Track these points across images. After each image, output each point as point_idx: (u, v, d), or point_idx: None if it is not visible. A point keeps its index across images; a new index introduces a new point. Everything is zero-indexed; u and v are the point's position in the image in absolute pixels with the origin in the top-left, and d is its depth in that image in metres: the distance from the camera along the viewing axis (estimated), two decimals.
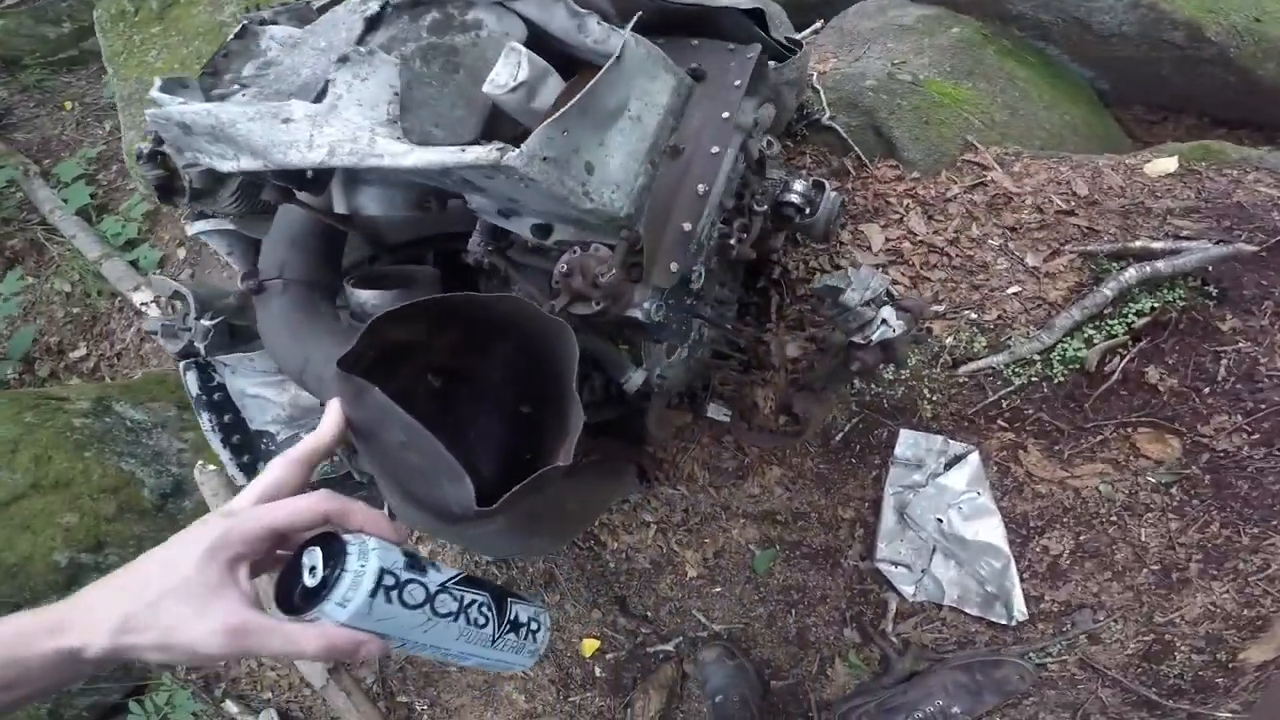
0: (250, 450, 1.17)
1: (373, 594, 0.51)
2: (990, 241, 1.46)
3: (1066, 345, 1.37)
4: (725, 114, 0.84)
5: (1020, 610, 1.37)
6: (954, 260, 1.46)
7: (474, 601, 0.58)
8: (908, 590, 1.45)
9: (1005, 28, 1.90)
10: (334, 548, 0.52)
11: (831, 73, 1.63)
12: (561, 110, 0.69)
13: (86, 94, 3.02)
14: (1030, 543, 1.42)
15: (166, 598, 0.49)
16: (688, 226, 0.82)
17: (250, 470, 1.18)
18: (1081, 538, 1.39)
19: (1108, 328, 1.36)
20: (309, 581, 0.52)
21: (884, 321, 1.02)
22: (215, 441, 1.13)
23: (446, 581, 0.57)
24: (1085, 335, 1.36)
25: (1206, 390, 1.32)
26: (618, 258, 0.82)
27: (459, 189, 0.82)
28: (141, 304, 2.36)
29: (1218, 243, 1.27)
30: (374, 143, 0.69)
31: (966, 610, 1.42)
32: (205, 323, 1.08)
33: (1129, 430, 1.38)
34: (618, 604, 1.87)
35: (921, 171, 1.52)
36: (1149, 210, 1.40)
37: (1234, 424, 1.30)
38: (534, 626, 0.65)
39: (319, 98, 0.73)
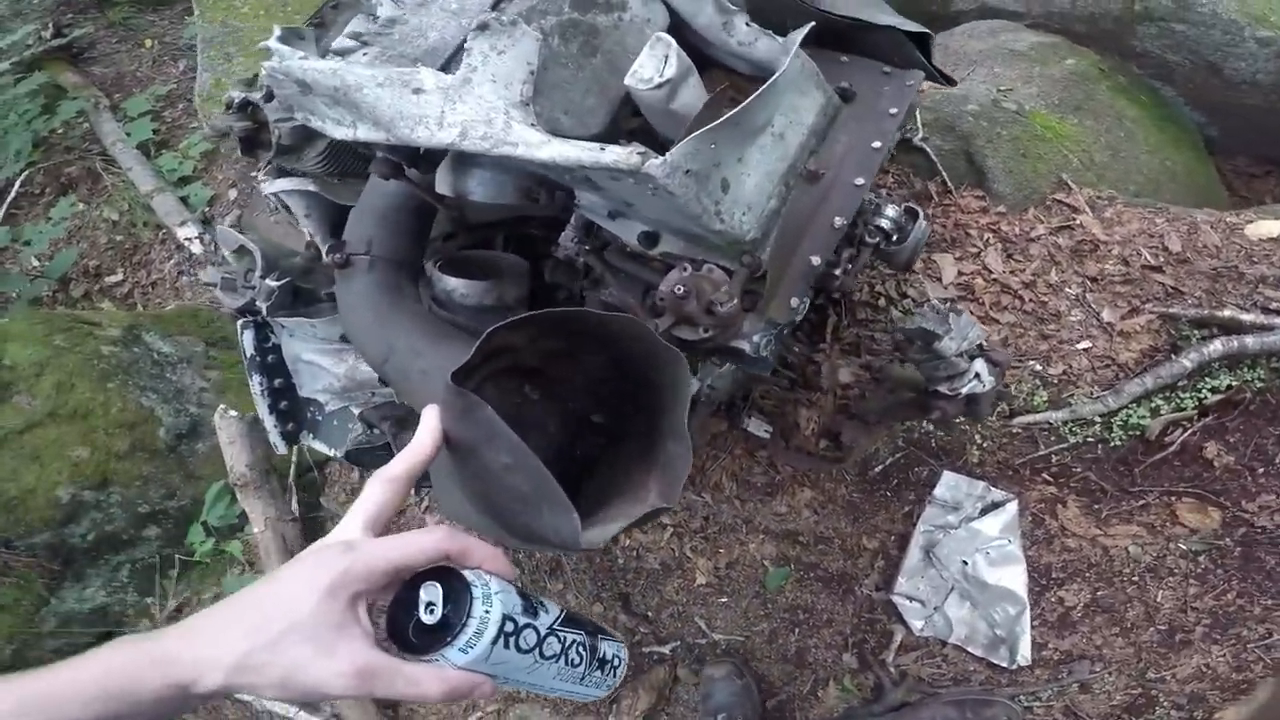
0: (295, 417, 1.11)
1: (494, 641, 0.50)
2: (1068, 290, 1.41)
3: (1131, 411, 1.33)
4: (876, 144, 0.77)
5: (1025, 656, 1.38)
6: (1026, 305, 1.41)
7: (574, 642, 0.58)
8: (917, 624, 1.44)
9: (1124, 64, 1.82)
10: (454, 586, 0.50)
11: (931, 92, 1.55)
12: (716, 122, 0.62)
13: (167, 33, 3.06)
14: (1047, 592, 1.42)
15: (288, 636, 0.47)
16: (816, 260, 0.76)
17: (292, 439, 1.12)
18: (1099, 593, 1.38)
19: (1178, 399, 1.32)
20: (426, 619, 0.50)
21: (976, 375, 0.96)
22: (263, 406, 1.07)
23: (554, 623, 0.56)
24: (1153, 404, 1.33)
25: (1261, 470, 1.30)
26: (736, 285, 0.75)
27: (574, 184, 0.75)
28: (185, 239, 2.33)
29: None
30: (509, 128, 0.61)
31: (970, 650, 1.42)
32: (271, 282, 1.02)
33: (1173, 499, 1.35)
34: (620, 600, 1.84)
35: (1009, 206, 1.45)
36: (1241, 275, 1.35)
37: (1275, 505, 1.27)
38: (616, 663, 0.65)
39: (446, 66, 0.65)
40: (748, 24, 0.74)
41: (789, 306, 0.77)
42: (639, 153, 0.63)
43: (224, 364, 2.26)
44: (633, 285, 0.87)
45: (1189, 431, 1.32)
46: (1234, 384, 1.29)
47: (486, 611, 0.49)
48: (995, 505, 1.44)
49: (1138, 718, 1.27)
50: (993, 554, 1.44)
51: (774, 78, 0.63)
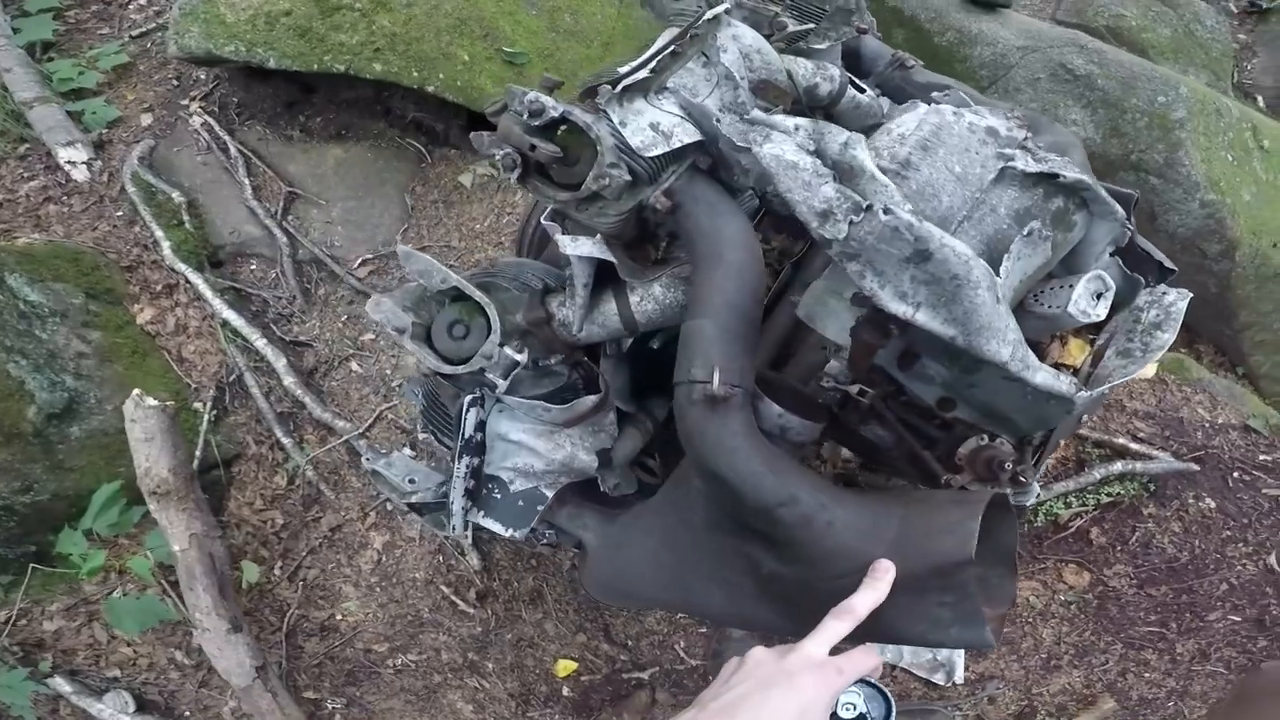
0: (473, 495, 1.00)
1: None
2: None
3: (1053, 503, 1.79)
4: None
5: (959, 677, 1.77)
6: None
7: None
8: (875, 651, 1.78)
9: None
10: (869, 692, 0.70)
11: None
12: (1126, 379, 0.78)
13: None
14: None
15: None
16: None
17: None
18: (1005, 629, 1.82)
19: (1083, 498, 1.80)
20: (843, 713, 0.69)
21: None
22: (459, 489, 0.95)
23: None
24: (1067, 499, 1.79)
25: (1119, 549, 1.83)
26: (1024, 455, 0.92)
27: (941, 361, 0.84)
28: (68, 161, 1.88)
29: (1178, 457, 1.77)
30: (1028, 355, 0.69)
31: (915, 672, 1.79)
32: (512, 354, 0.91)
33: (1062, 564, 1.84)
34: (603, 631, 1.90)
35: None
36: (1124, 408, 1.87)
37: (1125, 572, 1.82)
38: None
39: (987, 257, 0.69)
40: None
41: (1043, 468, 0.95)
42: (1074, 383, 0.76)
43: (108, 324, 1.82)
44: (897, 432, 0.98)
45: (1084, 520, 1.81)
46: (1120, 492, 1.80)
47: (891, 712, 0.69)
48: None
49: None
50: None
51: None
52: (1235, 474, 1.86)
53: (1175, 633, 1.79)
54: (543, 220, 0.89)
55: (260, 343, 1.92)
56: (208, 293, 1.90)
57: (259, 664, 1.61)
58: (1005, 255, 0.66)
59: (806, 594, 0.80)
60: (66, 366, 1.71)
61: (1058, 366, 0.89)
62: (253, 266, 2.06)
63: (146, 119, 2.14)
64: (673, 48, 0.84)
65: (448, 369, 0.90)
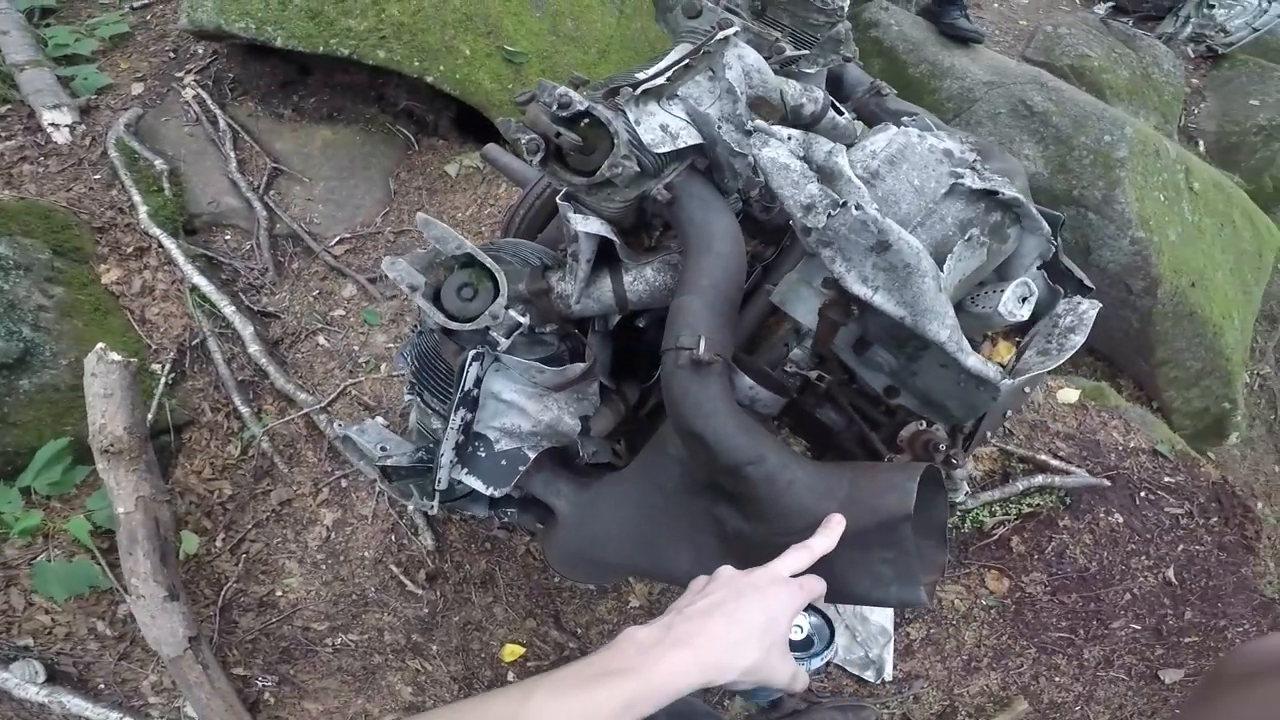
0: (459, 452, 1.11)
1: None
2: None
3: (979, 511, 1.98)
4: None
5: (889, 673, 1.93)
6: None
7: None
8: None
9: None
10: (817, 618, 0.82)
11: None
12: (1046, 369, 0.95)
13: None
14: (900, 628, 2.00)
15: (776, 648, 0.73)
16: (1010, 413, 1.12)
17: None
18: (931, 631, 2.00)
19: (1006, 507, 2.01)
20: (793, 636, 0.78)
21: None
22: (451, 443, 1.06)
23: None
24: (992, 509, 2.00)
25: (1036, 558, 2.04)
26: (955, 440, 1.09)
27: (890, 350, 1.01)
28: (51, 123, 1.95)
29: (1092, 473, 2.00)
30: (962, 340, 0.86)
31: (847, 669, 1.94)
32: (516, 316, 1.03)
33: (985, 570, 2.04)
34: (553, 618, 1.99)
35: None
36: (1048, 428, 2.10)
37: (1040, 580, 2.03)
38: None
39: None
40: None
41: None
42: (1001, 369, 0.93)
43: (72, 281, 1.87)
44: (848, 415, 1.14)
45: (1006, 529, 2.01)
46: (1039, 503, 2.02)
47: (835, 642, 0.81)
48: None
49: None
50: None
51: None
52: (1142, 493, 2.11)
53: (1083, 639, 2.00)
54: (558, 200, 1.02)
55: (229, 310, 1.97)
56: (179, 257, 1.95)
57: (192, 634, 1.61)
58: (949, 255, 0.83)
59: (765, 550, 0.91)
60: (25, 318, 1.73)
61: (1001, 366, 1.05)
62: (227, 237, 2.12)
63: (137, 88, 2.22)
64: (686, 61, 0.98)
65: (455, 325, 1.02)
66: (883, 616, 1.96)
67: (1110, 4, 4.57)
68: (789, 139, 0.89)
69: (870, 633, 1.95)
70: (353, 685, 1.79)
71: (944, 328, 0.83)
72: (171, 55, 2.30)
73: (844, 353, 1.04)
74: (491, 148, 1.75)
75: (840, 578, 0.89)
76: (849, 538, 0.86)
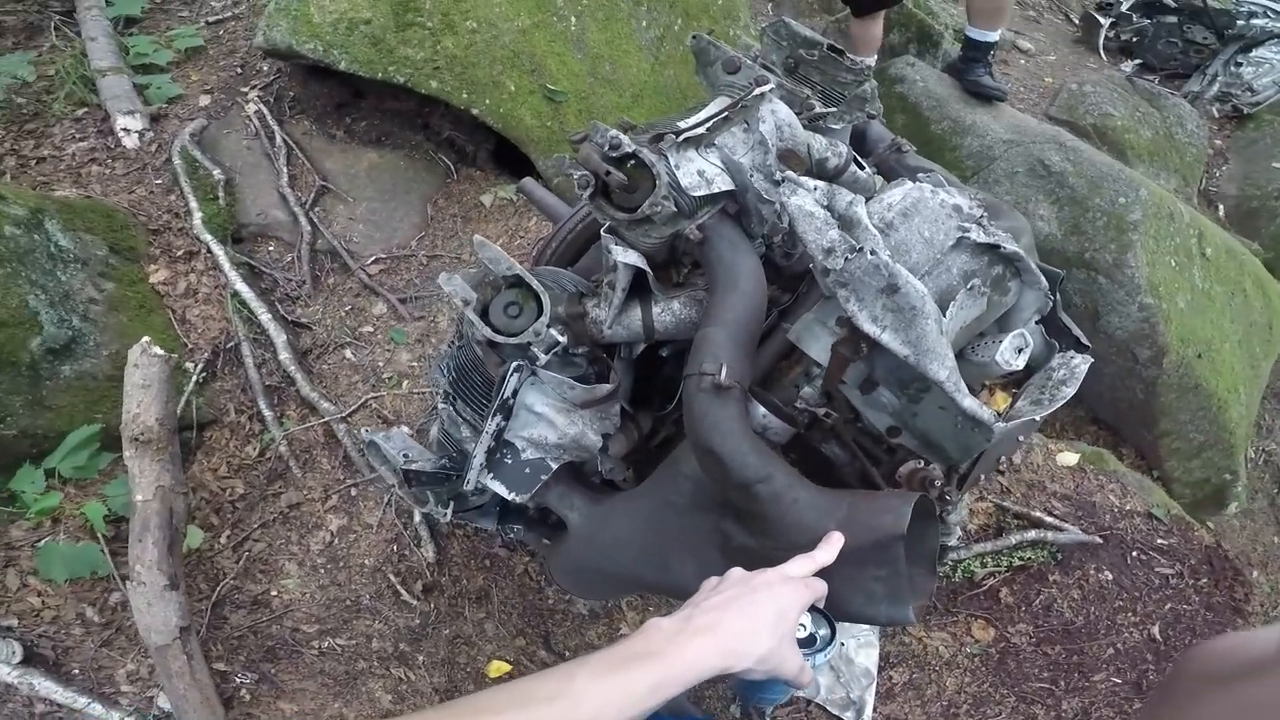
0: (489, 457, 1.20)
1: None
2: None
3: (971, 562, 2.06)
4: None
5: (868, 716, 1.97)
6: None
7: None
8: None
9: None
10: (819, 618, 0.88)
11: None
12: (1042, 416, 1.05)
13: None
14: (882, 671, 2.04)
15: (786, 639, 0.79)
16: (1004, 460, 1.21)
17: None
18: (914, 675, 2.04)
19: (998, 559, 2.08)
20: (798, 634, 0.83)
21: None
22: (484, 447, 1.15)
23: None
24: (983, 560, 2.07)
25: (1024, 609, 2.10)
26: (951, 479, 1.18)
27: (894, 391, 1.11)
28: (123, 129, 2.12)
29: (1085, 531, 2.08)
30: (960, 382, 0.96)
31: (829, 709, 1.98)
32: (556, 334, 1.14)
33: (971, 619, 2.10)
34: (543, 638, 2.04)
35: None
36: (1045, 488, 2.18)
37: (1026, 631, 2.09)
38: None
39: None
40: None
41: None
42: (997, 415, 1.03)
43: (123, 278, 2.00)
44: (851, 451, 1.23)
45: (996, 580, 2.08)
46: (1030, 557, 2.09)
47: (835, 639, 0.87)
48: None
49: None
50: (860, 639, 2.04)
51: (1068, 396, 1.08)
52: (1134, 552, 2.18)
53: (1063, 690, 2.03)
54: (603, 232, 1.13)
55: (265, 317, 2.08)
56: (225, 264, 2.08)
57: (184, 624, 1.65)
58: (951, 302, 0.93)
59: (766, 564, 0.99)
60: (76, 308, 1.85)
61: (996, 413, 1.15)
62: (270, 248, 2.25)
63: (205, 100, 2.36)
64: (725, 114, 1.11)
65: (500, 339, 1.12)
66: (867, 659, 2.01)
67: (1137, 62, 4.56)
68: (815, 189, 1.00)
69: (854, 674, 2.00)
70: (332, 689, 1.81)
71: (943, 368, 0.93)
72: (239, 70, 2.45)
73: (851, 392, 1.15)
74: (528, 181, 1.88)
75: (836, 593, 0.97)
76: (846, 555, 0.95)
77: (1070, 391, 1.05)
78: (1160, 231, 2.69)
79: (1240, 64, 4.44)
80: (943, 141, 3.10)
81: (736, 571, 0.87)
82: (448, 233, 2.36)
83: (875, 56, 3.50)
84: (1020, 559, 2.11)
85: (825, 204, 1.00)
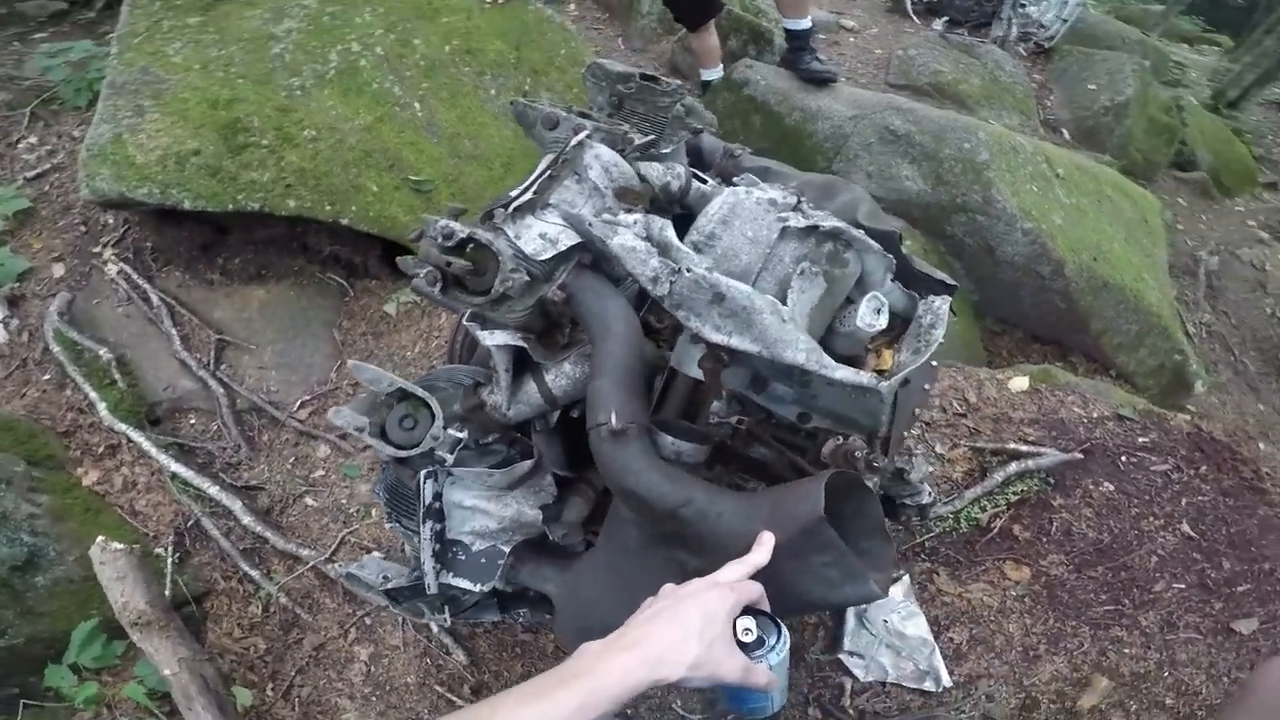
0: (441, 559, 1.25)
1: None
2: (911, 431, 2.15)
3: (970, 509, 2.09)
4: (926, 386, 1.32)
5: (946, 680, 1.95)
6: None
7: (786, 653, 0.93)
8: (860, 673, 1.97)
9: (936, 243, 2.75)
10: (764, 620, 0.90)
11: None
12: (920, 363, 1.11)
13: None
14: (941, 635, 2.04)
15: (717, 644, 0.82)
16: (917, 432, 1.26)
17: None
18: (974, 631, 2.03)
19: (995, 500, 2.11)
20: (743, 638, 0.86)
21: (928, 493, 1.57)
22: (428, 551, 1.20)
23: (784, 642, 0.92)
24: (981, 504, 2.10)
25: (1044, 540, 2.12)
26: (875, 447, 1.22)
27: (784, 381, 1.16)
28: None
29: (1063, 451, 2.11)
30: (822, 358, 1.02)
31: (905, 684, 1.96)
32: (454, 433, 1.19)
33: (1000, 562, 2.11)
34: (524, 678, 2.04)
35: None
36: (1010, 419, 2.22)
37: (1059, 560, 2.10)
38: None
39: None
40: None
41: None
42: (875, 375, 1.09)
43: (54, 488, 2.06)
44: (775, 448, 1.28)
45: (1003, 519, 2.11)
46: (1024, 489, 2.12)
47: (786, 638, 0.89)
48: (894, 579, 2.07)
49: (1030, 714, 1.91)
50: (902, 612, 2.05)
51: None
52: (1123, 458, 2.21)
53: (1132, 607, 2.01)
54: (464, 322, 1.19)
55: (213, 490, 2.13)
56: (152, 450, 2.10)
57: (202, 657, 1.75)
58: (789, 289, 1.00)
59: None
60: (21, 526, 1.90)
61: (879, 373, 1.21)
62: (192, 421, 2.24)
63: (59, 269, 2.24)
64: (550, 172, 1.18)
65: (403, 454, 1.17)
66: (918, 628, 2.01)
67: (945, 19, 4.99)
68: (634, 223, 1.07)
69: (912, 646, 1.99)
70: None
71: (799, 352, 0.99)
72: (83, 229, 2.26)
73: (748, 393, 1.20)
74: (418, 280, 1.95)
75: (793, 589, 1.02)
76: (784, 550, 0.99)
77: (940, 333, 1.11)
78: (1010, 164, 2.95)
79: (1024, 5, 4.95)
80: (799, 131, 3.31)
81: (668, 587, 0.92)
82: (362, 353, 2.37)
83: (720, 66, 3.68)
84: (1015, 493, 2.13)
85: (644, 235, 1.06)
